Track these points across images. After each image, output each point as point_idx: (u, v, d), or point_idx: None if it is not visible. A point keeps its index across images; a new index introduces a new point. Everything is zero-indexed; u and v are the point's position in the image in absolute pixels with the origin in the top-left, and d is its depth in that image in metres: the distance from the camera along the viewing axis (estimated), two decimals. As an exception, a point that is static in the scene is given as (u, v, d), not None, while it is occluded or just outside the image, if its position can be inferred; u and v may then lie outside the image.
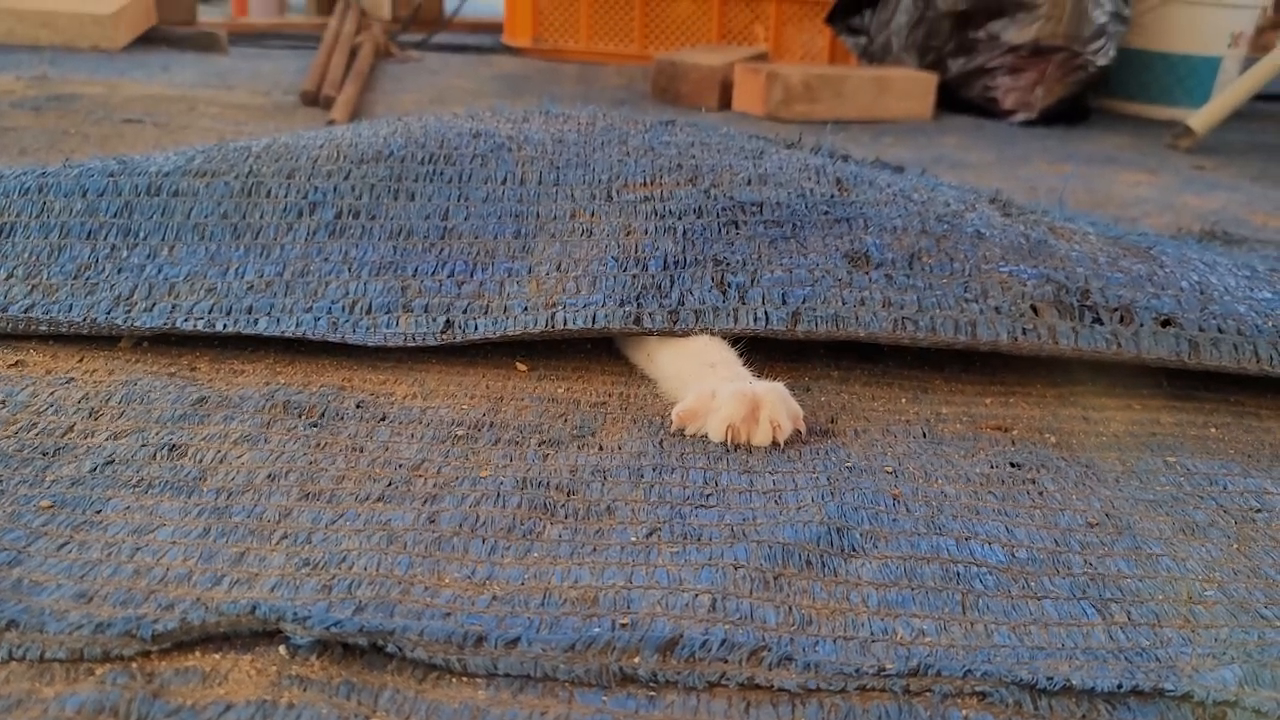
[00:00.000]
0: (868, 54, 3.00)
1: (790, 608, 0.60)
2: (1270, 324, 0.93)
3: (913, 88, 2.64)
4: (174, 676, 0.52)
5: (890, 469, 0.78)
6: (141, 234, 1.00)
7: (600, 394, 0.89)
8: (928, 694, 0.54)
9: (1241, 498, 0.77)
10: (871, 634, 0.58)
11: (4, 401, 0.80)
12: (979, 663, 0.56)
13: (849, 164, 1.19)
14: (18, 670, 0.52)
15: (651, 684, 0.54)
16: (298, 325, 0.92)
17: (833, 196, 1.04)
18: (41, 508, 0.66)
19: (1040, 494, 0.76)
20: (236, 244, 0.99)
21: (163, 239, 1.00)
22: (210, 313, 0.92)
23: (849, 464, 0.78)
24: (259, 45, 3.27)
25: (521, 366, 0.93)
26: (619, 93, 2.80)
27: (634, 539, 0.66)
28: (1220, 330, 0.92)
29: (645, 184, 1.06)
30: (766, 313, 0.91)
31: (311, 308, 0.93)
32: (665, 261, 0.95)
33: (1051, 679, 0.55)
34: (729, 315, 0.91)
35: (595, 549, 0.65)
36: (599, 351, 0.97)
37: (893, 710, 0.53)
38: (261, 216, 1.01)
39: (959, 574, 0.64)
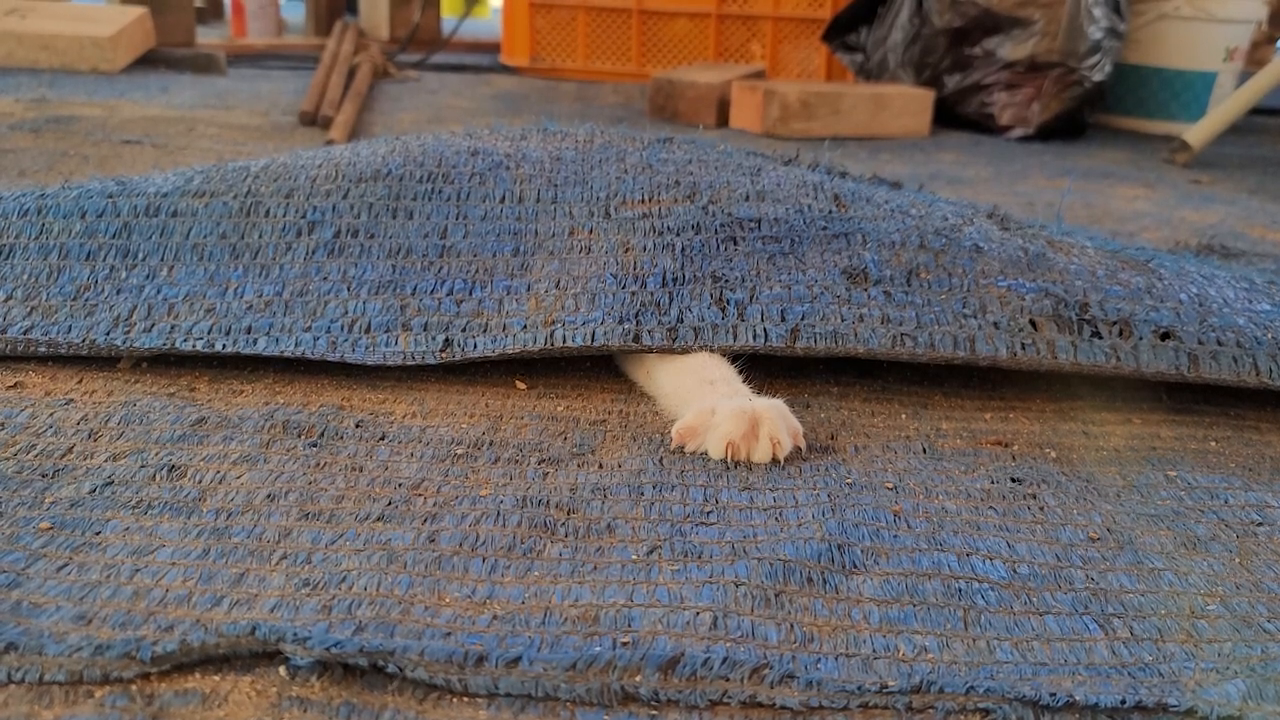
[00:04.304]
0: (864, 71, 3.01)
1: (792, 625, 0.60)
2: (1269, 336, 0.93)
3: (910, 104, 2.65)
4: (174, 698, 0.52)
5: (891, 485, 0.78)
6: (140, 255, 1.00)
7: (600, 412, 0.89)
8: (930, 711, 0.54)
9: (1243, 511, 0.77)
10: (873, 651, 0.58)
11: (3, 423, 0.80)
12: (981, 679, 0.56)
13: (846, 180, 1.19)
14: (17, 693, 0.52)
15: (653, 703, 0.54)
16: (297, 345, 0.92)
17: (831, 213, 1.04)
18: (41, 529, 0.66)
19: (1041, 509, 0.76)
20: (235, 264, 0.99)
21: (162, 259, 1.00)
22: (209, 333, 0.92)
23: (849, 480, 0.78)
24: (257, 66, 3.28)
25: (521, 385, 0.93)
26: (616, 111, 2.81)
27: (634, 557, 0.66)
28: (1219, 343, 0.92)
29: (643, 201, 1.06)
30: (765, 329, 0.91)
31: (310, 327, 0.93)
32: (664, 279, 0.95)
33: (1054, 695, 0.54)
34: (728, 332, 0.91)
35: (596, 567, 0.65)
36: (598, 369, 0.97)
37: (895, 728, 0.53)
38: (260, 236, 1.02)
39: (961, 590, 0.64)
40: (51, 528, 0.66)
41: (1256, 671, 0.58)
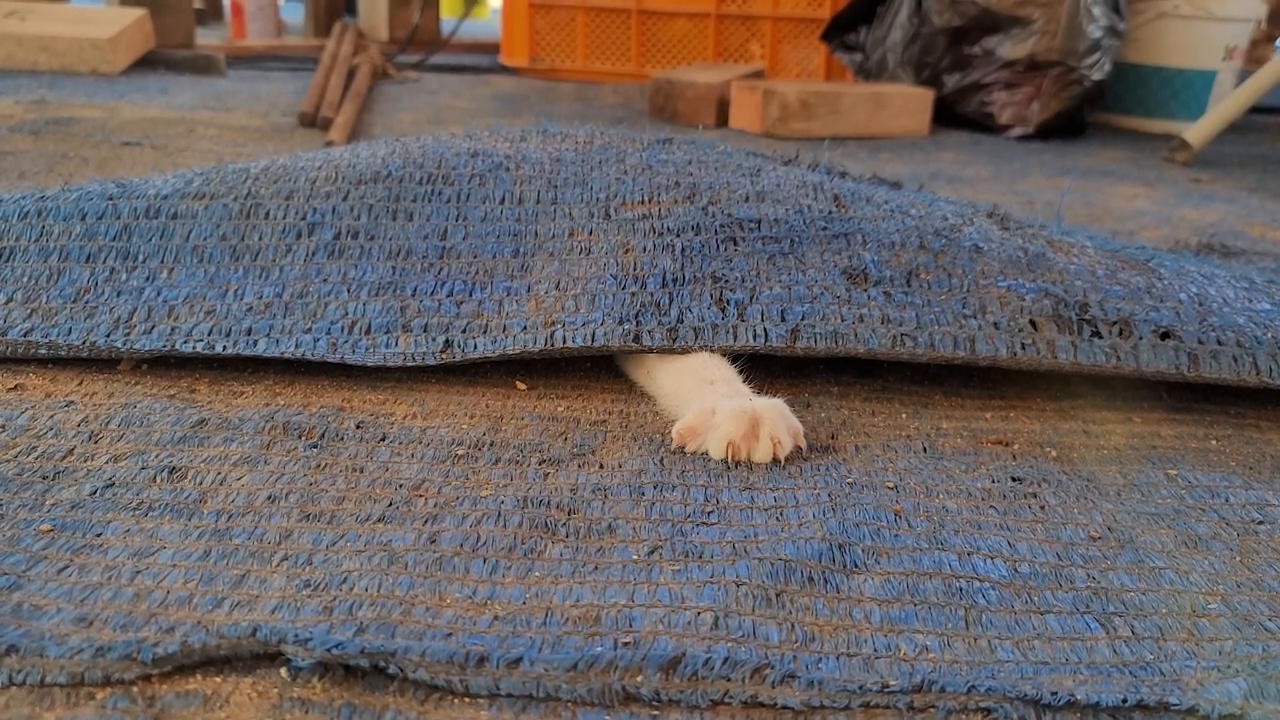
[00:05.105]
0: (864, 70, 3.01)
1: (793, 625, 0.60)
2: (1269, 335, 0.93)
3: (909, 104, 2.65)
4: (175, 700, 0.52)
5: (891, 484, 0.78)
6: (140, 257, 1.00)
7: (600, 412, 0.89)
8: (932, 710, 0.54)
9: (1243, 510, 0.77)
10: (875, 650, 0.58)
11: (3, 425, 0.80)
12: (983, 679, 0.56)
13: (846, 180, 1.19)
14: (18, 695, 0.52)
15: (654, 703, 0.54)
16: (297, 346, 0.92)
17: (830, 213, 1.04)
18: (41, 531, 0.66)
19: (1042, 508, 0.76)
20: (235, 266, 0.99)
21: (162, 261, 1.00)
22: (209, 335, 0.92)
23: (850, 480, 0.78)
24: (257, 67, 3.28)
25: (521, 385, 0.93)
26: (616, 111, 2.81)
27: (635, 557, 0.66)
28: (1219, 342, 0.92)
29: (643, 202, 1.06)
30: (765, 330, 0.91)
31: (311, 329, 0.93)
32: (664, 279, 0.95)
33: (1056, 694, 0.55)
34: (728, 332, 0.91)
35: (597, 567, 0.65)
36: (598, 370, 0.97)
37: (897, 727, 0.53)
38: (260, 238, 1.02)
39: (962, 589, 0.64)
40: (52, 530, 0.66)
41: (1258, 670, 0.58)
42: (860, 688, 0.55)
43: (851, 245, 1.00)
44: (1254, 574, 0.68)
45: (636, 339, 0.91)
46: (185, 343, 0.92)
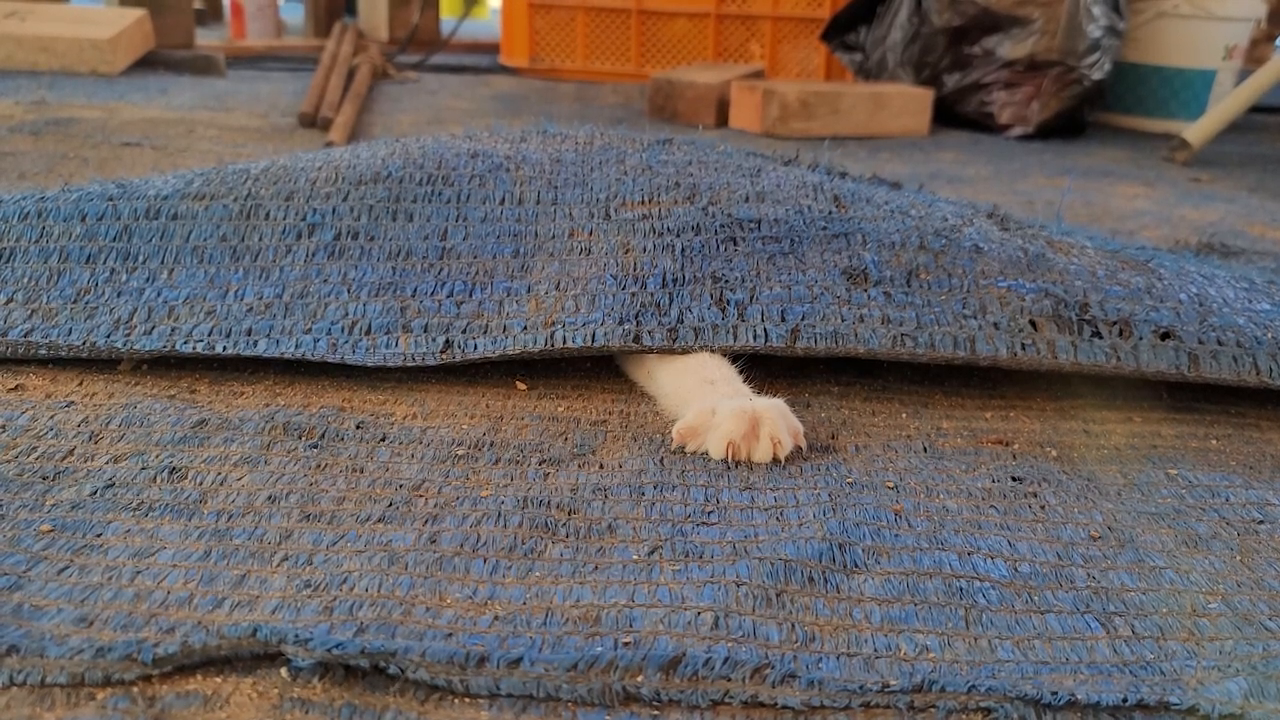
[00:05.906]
0: (864, 70, 3.01)
1: (793, 625, 0.60)
2: (1269, 335, 0.93)
3: (909, 104, 2.65)
4: (175, 700, 0.52)
5: (891, 484, 0.78)
6: (140, 257, 1.00)
7: (600, 412, 0.89)
8: (932, 710, 0.54)
9: (1244, 509, 0.77)
10: (875, 650, 0.58)
11: (4, 425, 0.80)
12: (983, 678, 0.56)
13: (846, 180, 1.19)
14: (19, 695, 0.52)
15: (655, 703, 0.54)
16: (297, 347, 0.92)
17: (830, 213, 1.04)
18: (42, 531, 0.66)
19: (1042, 508, 0.76)
20: (235, 266, 0.99)
21: (162, 262, 1.00)
22: (210, 335, 0.92)
23: (850, 480, 0.78)
24: (257, 68, 3.28)
25: (521, 385, 0.93)
26: (616, 111, 2.81)
27: (635, 557, 0.66)
28: (1219, 342, 0.92)
29: (643, 202, 1.06)
30: (765, 330, 0.91)
31: (311, 329, 0.93)
32: (664, 279, 0.95)
33: (1056, 694, 0.55)
34: (728, 332, 0.91)
35: (597, 567, 0.65)
36: (599, 370, 0.97)
37: (897, 727, 0.53)
38: (260, 239, 1.02)
39: (962, 589, 0.64)
40: (53, 530, 0.66)
41: (1258, 669, 0.58)
42: (860, 688, 0.55)
43: (851, 245, 1.00)
44: (1254, 573, 0.68)
45: (636, 339, 0.91)
46: (185, 343, 0.92)
